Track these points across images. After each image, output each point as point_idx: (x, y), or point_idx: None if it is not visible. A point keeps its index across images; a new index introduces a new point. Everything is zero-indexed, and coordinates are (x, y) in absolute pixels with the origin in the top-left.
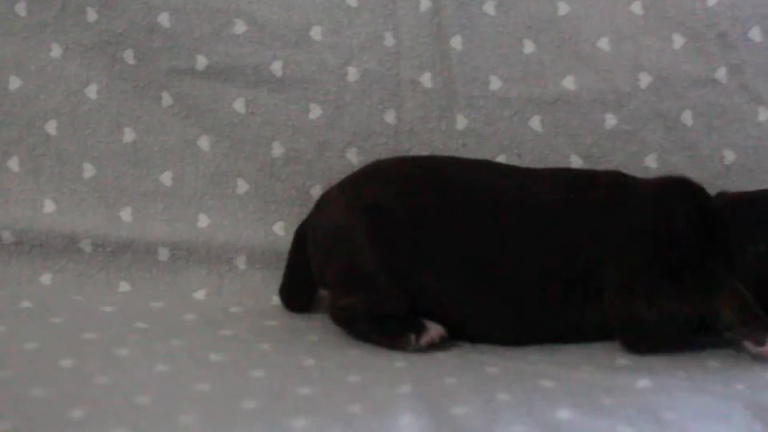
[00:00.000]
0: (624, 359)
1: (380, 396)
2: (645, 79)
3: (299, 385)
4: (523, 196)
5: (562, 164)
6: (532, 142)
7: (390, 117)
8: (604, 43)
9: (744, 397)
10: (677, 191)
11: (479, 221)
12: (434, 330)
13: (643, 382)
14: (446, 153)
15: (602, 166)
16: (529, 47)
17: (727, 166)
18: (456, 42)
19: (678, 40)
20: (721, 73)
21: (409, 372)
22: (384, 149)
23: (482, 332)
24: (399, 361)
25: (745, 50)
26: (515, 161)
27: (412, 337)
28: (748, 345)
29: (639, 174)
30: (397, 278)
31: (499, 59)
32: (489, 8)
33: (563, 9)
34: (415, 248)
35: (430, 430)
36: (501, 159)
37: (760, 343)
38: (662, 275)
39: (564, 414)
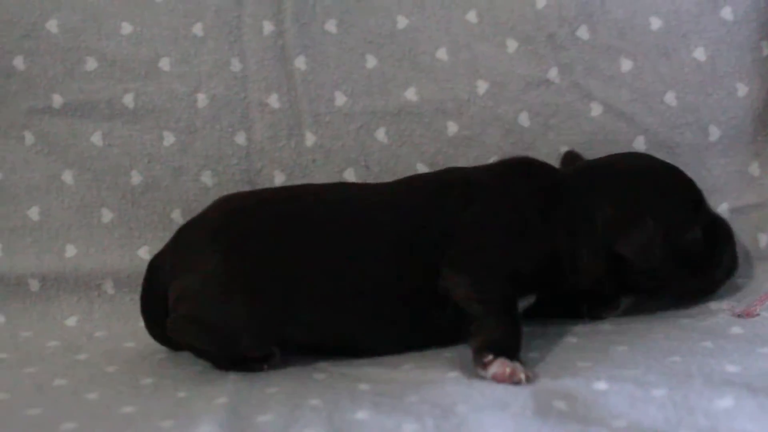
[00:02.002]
0: (449, 353)
1: (196, 409)
2: (482, 86)
3: (125, 405)
4: (377, 209)
5: (409, 172)
6: (379, 153)
7: (241, 139)
8: (442, 53)
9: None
10: (517, 172)
11: (337, 241)
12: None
13: (453, 374)
14: (296, 169)
15: None
16: (371, 62)
17: None
18: (300, 62)
19: (511, 45)
20: (553, 73)
21: (234, 384)
22: (237, 170)
23: (363, 349)
24: (233, 374)
25: (575, 49)
26: (363, 173)
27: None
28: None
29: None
30: (264, 321)
31: (343, 75)
32: (330, 26)
33: (402, 22)
34: (282, 284)
35: None
36: (350, 171)
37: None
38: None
39: (361, 415)
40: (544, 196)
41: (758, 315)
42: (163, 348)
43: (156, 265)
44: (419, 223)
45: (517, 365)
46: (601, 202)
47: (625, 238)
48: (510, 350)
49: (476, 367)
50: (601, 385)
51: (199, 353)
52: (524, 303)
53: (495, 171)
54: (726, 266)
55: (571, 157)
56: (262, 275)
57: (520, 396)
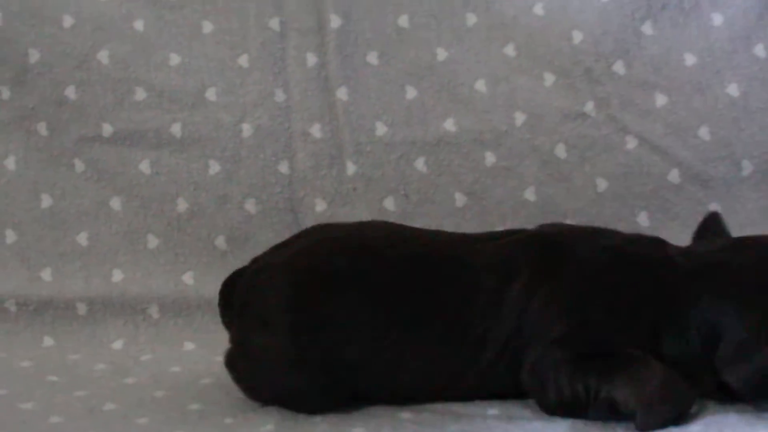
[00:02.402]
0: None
1: None
2: (520, 117)
3: (174, 430)
4: (460, 264)
5: (447, 202)
6: (418, 183)
7: (284, 167)
8: (480, 85)
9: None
10: (629, 260)
11: (420, 305)
12: None
13: (493, 411)
14: (338, 198)
15: (485, 201)
16: (411, 93)
17: (599, 194)
18: (342, 93)
19: (549, 78)
20: (590, 107)
21: (279, 413)
22: (280, 198)
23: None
24: None
25: (610, 83)
26: (403, 202)
27: None
28: None
29: (518, 206)
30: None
31: (384, 106)
32: (372, 59)
33: (442, 55)
34: (357, 351)
35: None
36: (389, 200)
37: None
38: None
39: None
40: (638, 284)
41: None
42: (208, 372)
43: (230, 285)
44: (486, 286)
45: None
46: (713, 313)
47: (731, 365)
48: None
49: None
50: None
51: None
52: None
53: (590, 241)
54: None
55: (711, 227)
56: (331, 355)
57: (558, 429)
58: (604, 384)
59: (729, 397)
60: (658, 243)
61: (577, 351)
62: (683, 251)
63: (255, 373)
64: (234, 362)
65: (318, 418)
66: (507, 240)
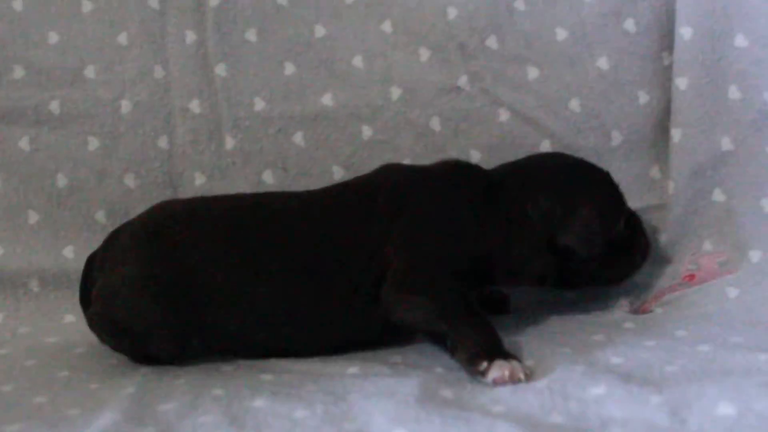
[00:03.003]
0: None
1: (103, 399)
2: (396, 92)
3: (37, 396)
4: (310, 213)
5: (325, 175)
6: (296, 157)
7: (163, 142)
8: (357, 61)
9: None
10: (445, 176)
11: (259, 254)
12: None
13: (353, 369)
14: (216, 172)
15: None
16: (289, 69)
17: None
18: (221, 69)
19: (424, 53)
20: (464, 81)
21: (143, 376)
22: (159, 173)
23: (287, 350)
24: (144, 367)
25: (484, 58)
26: (281, 175)
27: None
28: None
29: None
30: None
31: (262, 82)
32: (251, 35)
33: (320, 32)
34: (200, 293)
35: (134, 422)
36: (268, 174)
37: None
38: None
39: (259, 402)
40: (475, 198)
41: (652, 311)
42: (84, 342)
43: (90, 261)
44: (344, 233)
45: (514, 364)
46: (536, 196)
47: (568, 228)
48: (498, 350)
49: (474, 376)
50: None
51: (115, 348)
52: None
53: (423, 175)
54: (643, 251)
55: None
56: (179, 282)
57: (408, 385)
58: (448, 325)
59: (569, 284)
60: (468, 164)
61: (436, 273)
62: (493, 170)
63: (113, 311)
64: (95, 318)
65: (180, 380)
66: (354, 182)
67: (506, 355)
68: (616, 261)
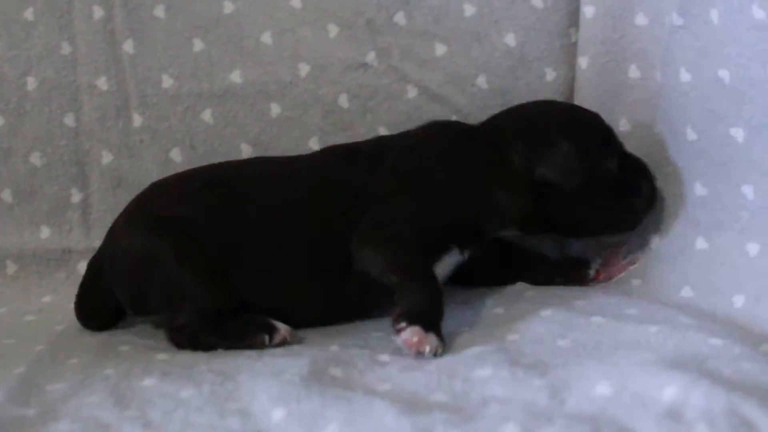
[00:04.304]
0: None
1: None
2: (304, 69)
3: None
4: (301, 176)
5: (233, 153)
6: (204, 134)
7: (69, 120)
8: (266, 38)
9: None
10: (424, 132)
11: (268, 210)
12: (283, 330)
13: (248, 351)
14: (124, 150)
15: (270, 152)
16: (198, 46)
17: None
18: (128, 46)
19: (333, 30)
20: (371, 57)
21: (37, 355)
22: (66, 150)
23: (303, 317)
24: (41, 346)
25: (391, 34)
26: (189, 153)
27: (266, 337)
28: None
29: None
30: (215, 282)
31: (170, 59)
32: (159, 12)
33: (228, 8)
34: (221, 250)
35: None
36: (176, 151)
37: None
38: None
39: (148, 382)
40: (455, 149)
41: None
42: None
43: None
44: (328, 191)
45: (431, 337)
46: (515, 140)
47: (544, 160)
48: (427, 319)
49: (392, 334)
50: (384, 357)
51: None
52: (450, 266)
53: (404, 134)
54: (646, 197)
55: None
56: (195, 251)
57: (297, 364)
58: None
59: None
60: (448, 122)
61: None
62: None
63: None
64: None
65: (74, 360)
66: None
67: (429, 326)
68: (613, 205)
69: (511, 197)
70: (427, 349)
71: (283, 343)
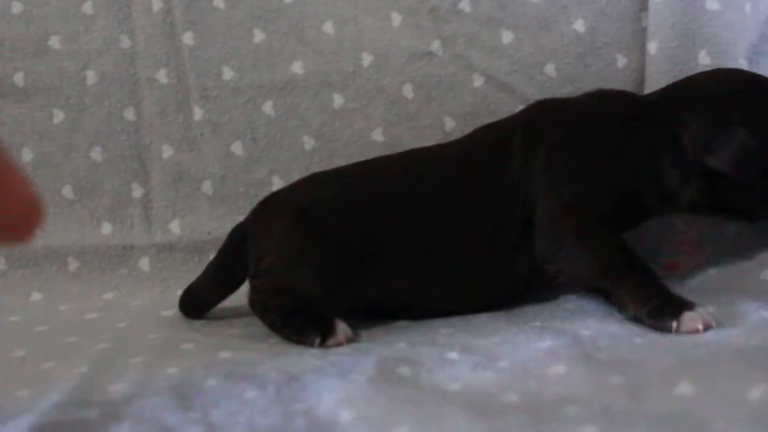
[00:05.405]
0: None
1: (54, 378)
2: (367, 58)
3: None
4: (446, 170)
5: (295, 145)
6: (266, 127)
7: (129, 114)
8: (328, 27)
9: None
10: (591, 104)
11: (414, 199)
12: (342, 333)
13: (314, 350)
14: (184, 144)
15: (333, 144)
16: (258, 36)
17: (447, 133)
18: (188, 38)
19: (396, 18)
20: (436, 46)
21: (99, 354)
22: (126, 145)
23: (436, 305)
24: (103, 344)
25: (457, 22)
26: (250, 146)
27: (317, 339)
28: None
29: (366, 147)
30: (352, 281)
31: (230, 50)
32: (218, 2)
33: None
34: (371, 248)
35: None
36: (237, 144)
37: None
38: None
39: (211, 382)
40: (619, 126)
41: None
42: (48, 320)
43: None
44: (484, 178)
45: (701, 311)
46: (687, 119)
47: (714, 150)
48: (675, 300)
49: (661, 331)
50: (453, 355)
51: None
52: None
53: (559, 108)
54: None
55: None
56: (336, 242)
57: (364, 363)
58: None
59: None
60: (614, 91)
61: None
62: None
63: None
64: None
65: (137, 359)
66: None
67: (688, 305)
68: None
69: (679, 184)
70: (713, 322)
71: (337, 345)
